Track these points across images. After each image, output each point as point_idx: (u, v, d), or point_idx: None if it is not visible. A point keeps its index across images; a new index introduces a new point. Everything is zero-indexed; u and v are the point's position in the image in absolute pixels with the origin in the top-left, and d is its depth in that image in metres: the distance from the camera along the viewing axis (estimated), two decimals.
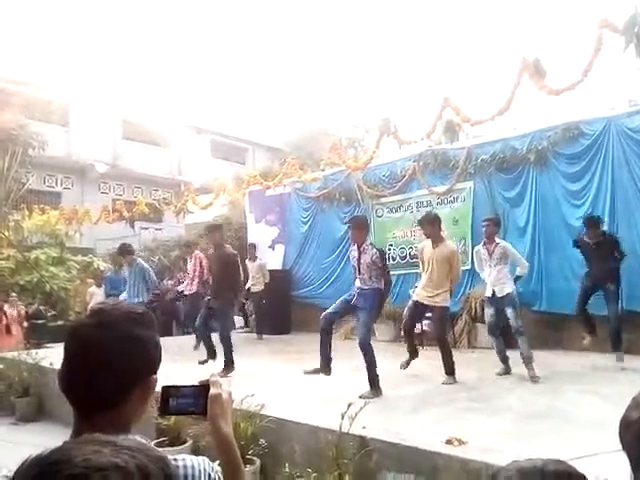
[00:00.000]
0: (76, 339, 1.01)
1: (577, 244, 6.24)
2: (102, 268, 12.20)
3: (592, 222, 6.02)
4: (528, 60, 4.83)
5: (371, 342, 5.04)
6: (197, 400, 1.12)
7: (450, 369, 5.37)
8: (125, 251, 7.69)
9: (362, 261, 5.10)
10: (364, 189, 9.41)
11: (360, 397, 4.64)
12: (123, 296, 7.63)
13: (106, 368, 0.97)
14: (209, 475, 1.02)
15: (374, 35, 40.90)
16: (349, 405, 3.50)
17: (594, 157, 7.06)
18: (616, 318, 5.85)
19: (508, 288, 5.65)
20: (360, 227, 5.22)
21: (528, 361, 5.38)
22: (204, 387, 1.13)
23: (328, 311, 5.24)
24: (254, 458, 3.85)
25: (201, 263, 8.68)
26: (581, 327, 6.21)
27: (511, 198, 7.84)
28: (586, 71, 4.62)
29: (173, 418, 4.27)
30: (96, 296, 11.62)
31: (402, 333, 7.16)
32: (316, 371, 5.11)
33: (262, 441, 3.87)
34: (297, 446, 3.84)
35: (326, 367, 5.12)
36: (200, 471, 1.01)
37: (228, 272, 6.12)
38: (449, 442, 3.32)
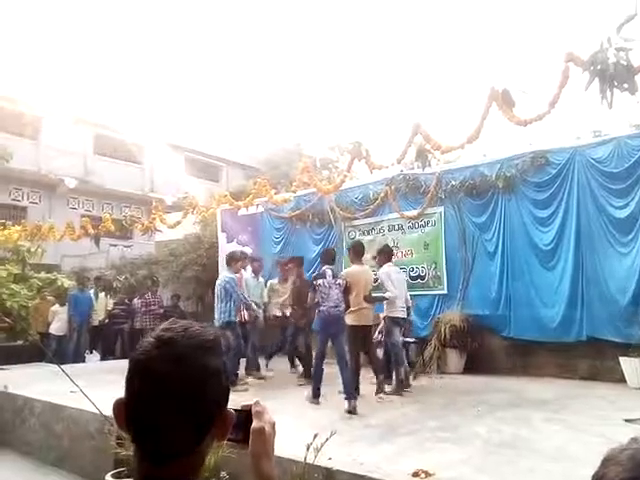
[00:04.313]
0: (147, 375, 0.85)
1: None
2: (67, 286, 11.84)
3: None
4: (497, 90, 4.92)
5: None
6: (239, 427, 1.01)
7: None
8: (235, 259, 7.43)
9: None
10: (337, 211, 9.43)
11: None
12: None
13: (187, 411, 0.84)
14: None
15: (350, 60, 41.65)
16: (315, 435, 3.41)
17: (560, 185, 7.23)
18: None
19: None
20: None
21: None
22: (247, 414, 1.03)
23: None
24: None
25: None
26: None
27: (480, 223, 7.95)
28: (553, 103, 4.72)
29: (132, 448, 4.09)
30: (59, 314, 11.28)
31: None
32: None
33: (223, 473, 3.73)
34: None
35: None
36: None
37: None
38: (416, 474, 3.27)
